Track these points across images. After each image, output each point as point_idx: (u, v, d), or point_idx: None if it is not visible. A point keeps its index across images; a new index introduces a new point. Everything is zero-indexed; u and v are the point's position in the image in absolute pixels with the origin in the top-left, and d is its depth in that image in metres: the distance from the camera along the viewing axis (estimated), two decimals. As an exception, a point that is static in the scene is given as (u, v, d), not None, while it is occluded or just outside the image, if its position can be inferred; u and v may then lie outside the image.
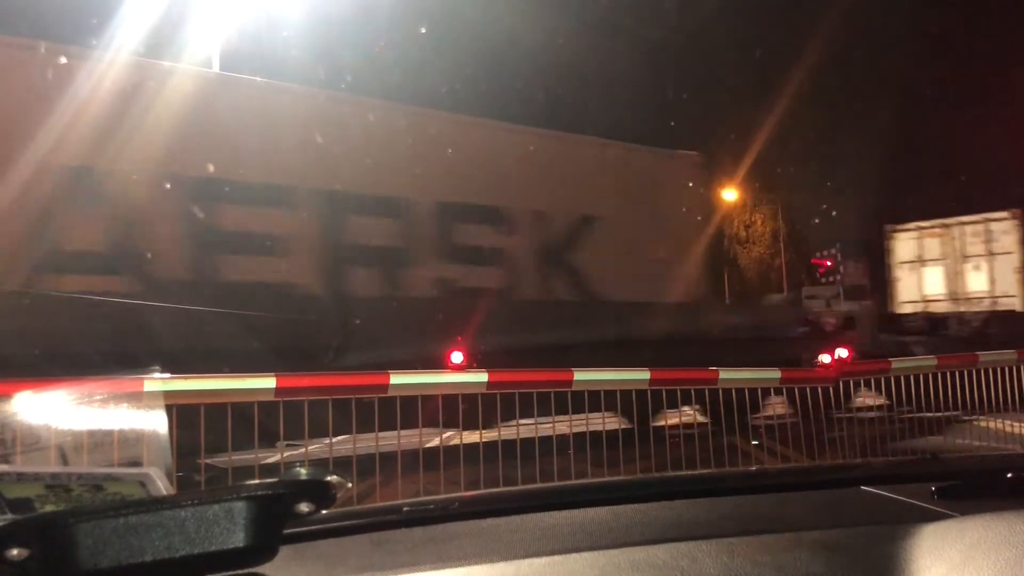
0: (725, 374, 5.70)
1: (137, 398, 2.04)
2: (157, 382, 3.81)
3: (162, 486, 1.08)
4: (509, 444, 5.11)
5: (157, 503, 1.00)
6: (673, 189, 12.12)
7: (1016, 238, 16.56)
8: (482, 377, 4.95)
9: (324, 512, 1.07)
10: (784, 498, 1.63)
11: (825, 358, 6.33)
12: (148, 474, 1.08)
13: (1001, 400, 6.42)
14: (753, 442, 6.48)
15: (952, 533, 1.21)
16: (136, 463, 1.30)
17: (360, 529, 1.37)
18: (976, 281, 16.99)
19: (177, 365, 4.36)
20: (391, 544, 1.32)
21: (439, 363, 6.96)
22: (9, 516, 1.02)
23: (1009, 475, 1.59)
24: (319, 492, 1.04)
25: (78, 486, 1.05)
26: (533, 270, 10.47)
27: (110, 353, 6.38)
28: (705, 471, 5.05)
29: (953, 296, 17.28)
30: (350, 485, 1.10)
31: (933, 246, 17.66)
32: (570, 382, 5.13)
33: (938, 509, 1.39)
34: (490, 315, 8.64)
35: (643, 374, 5.38)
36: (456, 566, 1.17)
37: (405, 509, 1.49)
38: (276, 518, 1.00)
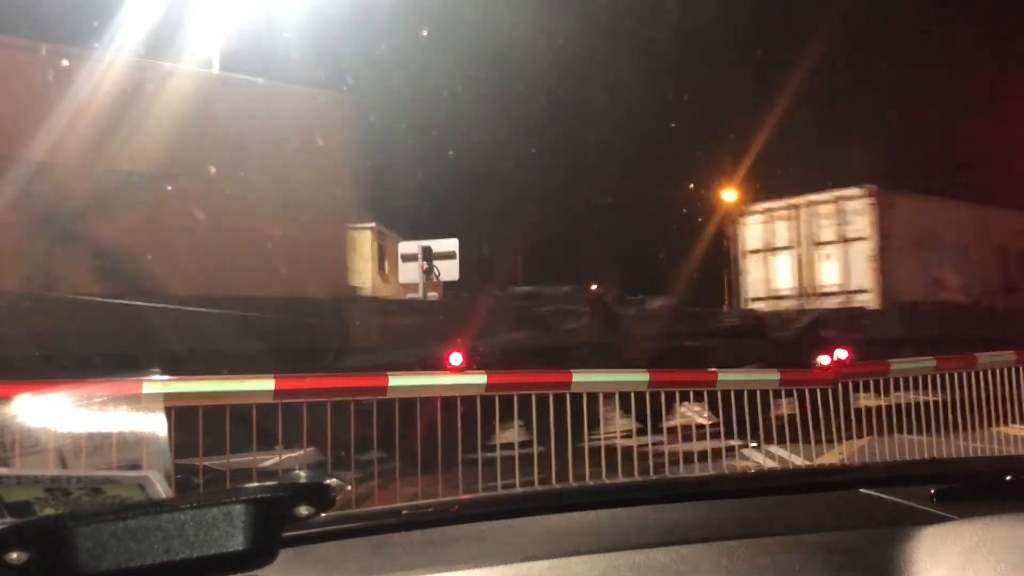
0: (724, 376, 5.71)
1: (136, 400, 2.04)
2: (156, 384, 3.81)
3: (161, 489, 1.08)
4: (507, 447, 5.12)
5: (156, 506, 1.00)
6: (300, 141, 8.74)
7: (870, 220, 13.44)
8: (480, 379, 4.96)
9: (323, 515, 1.07)
10: (783, 501, 1.63)
11: (824, 359, 6.33)
12: (147, 477, 1.07)
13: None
14: (752, 444, 6.49)
15: (951, 536, 1.21)
16: (135, 466, 1.30)
17: (359, 532, 1.37)
18: (829, 272, 13.99)
19: (176, 367, 4.36)
20: (390, 547, 1.32)
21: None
22: (8, 519, 1.02)
23: (1008, 477, 1.59)
24: (318, 495, 1.03)
25: (77, 489, 1.05)
26: (22, 249, 7.37)
27: (109, 355, 6.37)
28: (705, 474, 5.06)
29: (803, 291, 14.26)
30: (349, 488, 1.10)
31: (782, 231, 14.56)
32: (569, 384, 5.13)
33: (937, 512, 1.39)
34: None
35: (642, 376, 5.39)
36: (455, 569, 1.17)
37: (404, 512, 1.49)
38: (275, 521, 1.00)
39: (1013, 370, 6.61)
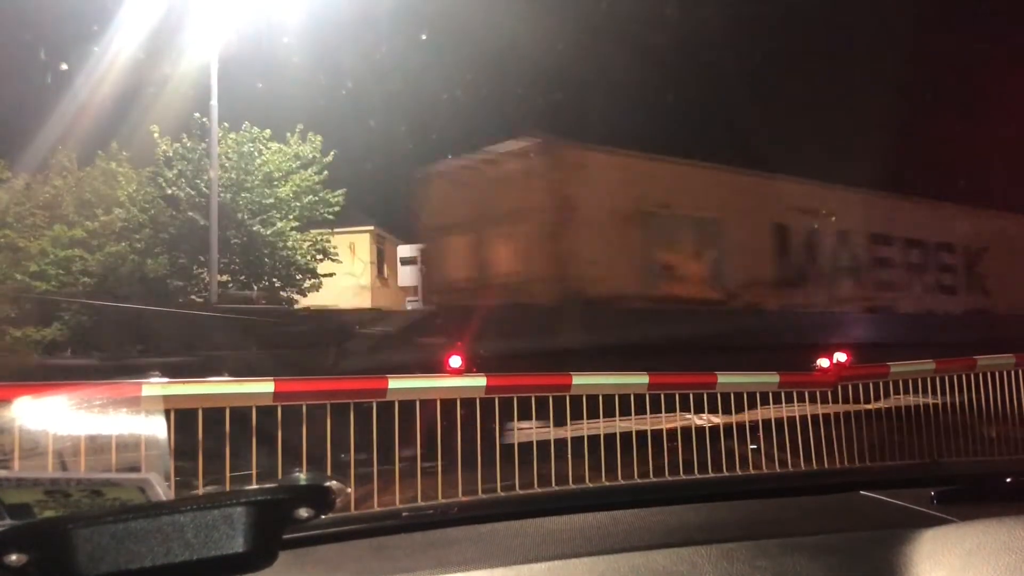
0: (723, 378, 5.71)
1: (136, 403, 2.04)
2: (155, 387, 3.82)
3: (161, 491, 1.08)
4: (507, 448, 5.11)
5: (156, 508, 1.00)
6: None
7: (544, 185, 9.57)
8: (480, 381, 4.95)
9: (323, 517, 1.07)
10: (783, 503, 1.63)
11: (823, 362, 6.34)
12: (147, 479, 1.07)
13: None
14: (752, 446, 6.49)
15: (952, 538, 1.21)
16: (135, 468, 1.29)
17: (359, 534, 1.37)
18: (502, 256, 10.09)
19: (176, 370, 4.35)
20: (390, 549, 1.32)
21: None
22: (8, 521, 1.02)
23: (1008, 480, 1.59)
24: (318, 497, 1.04)
25: (77, 491, 1.05)
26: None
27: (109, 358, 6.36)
28: (704, 476, 5.06)
29: (480, 282, 10.18)
30: (349, 490, 1.10)
31: (463, 201, 10.51)
32: (568, 386, 5.13)
33: (937, 514, 1.39)
34: None
35: (641, 378, 5.38)
36: (455, 571, 1.17)
37: (404, 514, 1.49)
38: (275, 523, 1.00)
39: (1012, 373, 6.62)
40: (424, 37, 19.15)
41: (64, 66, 7.93)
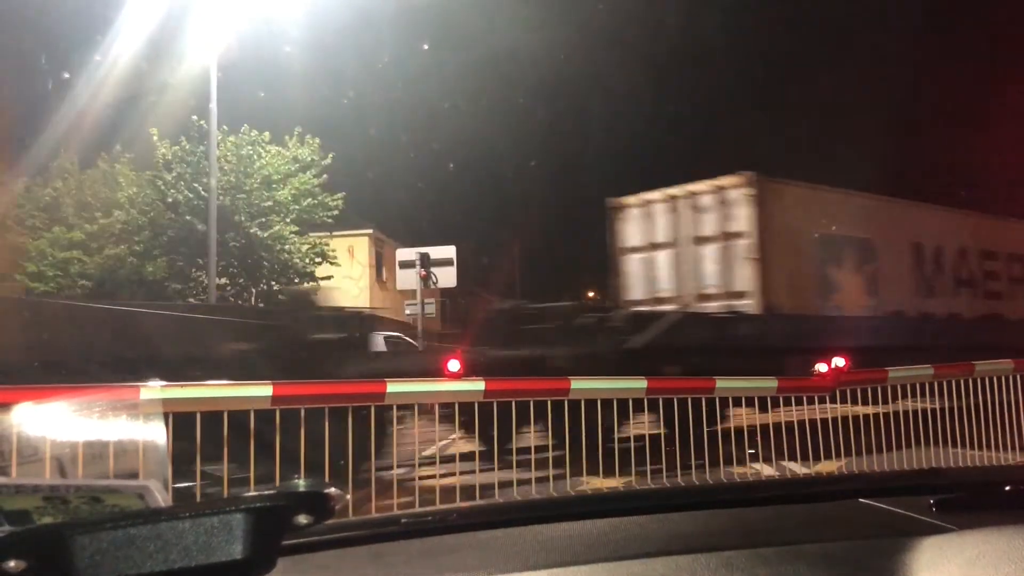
0: (721, 383, 5.70)
1: (134, 407, 2.04)
2: (154, 390, 3.81)
3: (160, 498, 1.08)
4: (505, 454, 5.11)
5: (155, 515, 0.99)
6: None
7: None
8: (479, 385, 4.94)
9: (322, 524, 1.07)
10: (782, 510, 1.63)
11: (822, 367, 6.34)
12: (147, 486, 1.07)
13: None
14: (749, 451, 6.49)
15: (951, 547, 1.21)
16: (133, 474, 1.29)
17: (358, 541, 1.36)
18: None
19: (174, 373, 4.34)
20: (389, 556, 1.32)
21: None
22: (7, 528, 1.01)
23: (1008, 488, 1.59)
24: (317, 504, 1.03)
25: (76, 498, 1.05)
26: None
27: (107, 362, 6.35)
28: (703, 483, 5.05)
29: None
30: (348, 496, 1.09)
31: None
32: (567, 390, 5.12)
33: (937, 522, 1.39)
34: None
35: (640, 383, 5.37)
36: None
37: (403, 521, 1.49)
38: (274, 530, 0.99)
39: (1011, 379, 6.61)
40: (424, 44, 19.23)
41: (66, 73, 7.96)
